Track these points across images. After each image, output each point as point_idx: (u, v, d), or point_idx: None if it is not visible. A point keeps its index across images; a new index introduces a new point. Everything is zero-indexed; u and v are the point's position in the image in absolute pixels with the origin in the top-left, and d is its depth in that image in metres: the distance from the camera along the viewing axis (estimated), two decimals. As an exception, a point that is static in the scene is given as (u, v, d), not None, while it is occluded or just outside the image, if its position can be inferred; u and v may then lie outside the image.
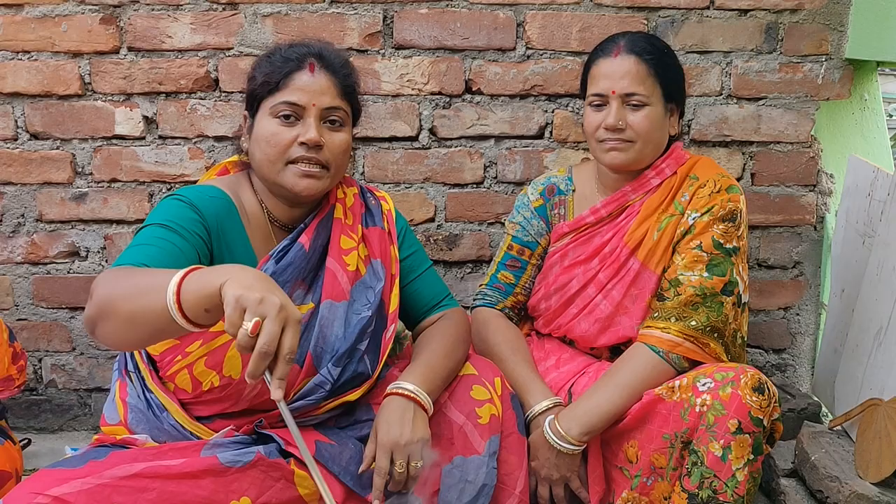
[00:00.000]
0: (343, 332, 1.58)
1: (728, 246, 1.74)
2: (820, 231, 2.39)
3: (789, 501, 1.90)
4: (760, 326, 2.44)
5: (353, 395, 1.58)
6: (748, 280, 1.80)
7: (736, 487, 1.53)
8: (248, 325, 1.08)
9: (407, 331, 1.84)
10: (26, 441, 2.17)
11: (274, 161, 1.54)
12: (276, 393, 1.11)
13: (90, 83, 2.23)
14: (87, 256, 2.33)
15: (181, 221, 1.45)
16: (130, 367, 1.56)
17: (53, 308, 2.36)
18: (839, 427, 1.95)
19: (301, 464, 1.48)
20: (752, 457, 1.54)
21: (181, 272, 1.16)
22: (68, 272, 2.34)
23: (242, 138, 1.64)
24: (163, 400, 1.53)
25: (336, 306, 1.59)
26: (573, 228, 1.90)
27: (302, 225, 1.62)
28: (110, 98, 2.24)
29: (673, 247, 1.79)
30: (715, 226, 1.75)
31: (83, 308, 2.32)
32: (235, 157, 1.72)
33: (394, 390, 1.53)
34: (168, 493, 1.33)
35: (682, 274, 1.74)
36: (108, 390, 1.66)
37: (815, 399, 2.26)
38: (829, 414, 2.26)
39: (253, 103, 1.59)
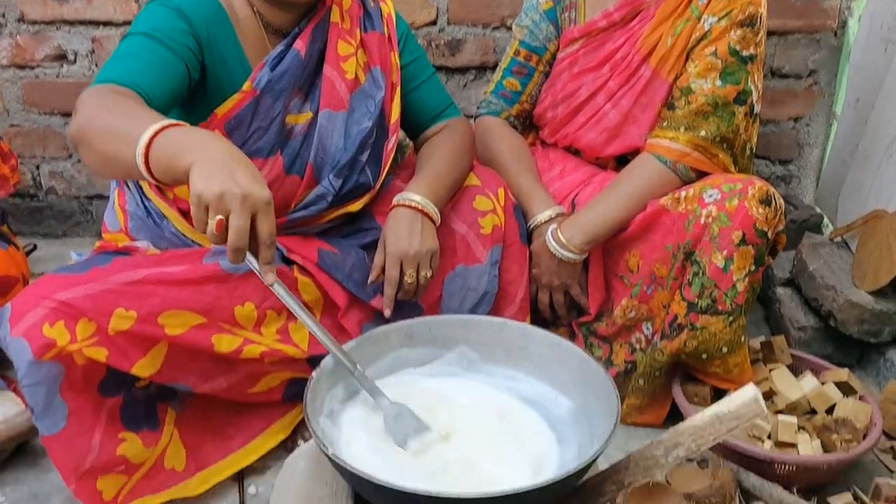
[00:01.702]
0: (343, 143, 1.54)
1: (744, 53, 1.66)
2: (840, 37, 2.29)
3: (783, 309, 1.95)
4: (769, 137, 2.39)
5: (354, 206, 1.57)
6: (762, 89, 1.74)
7: (735, 297, 1.55)
8: (212, 223, 1.03)
9: (409, 140, 1.80)
10: (32, 246, 2.18)
11: None
12: (269, 277, 1.11)
13: None
14: (75, 60, 2.25)
15: (168, 31, 1.37)
16: (126, 175, 1.53)
17: (46, 114, 2.31)
18: (839, 238, 1.96)
19: (304, 270, 1.49)
20: (753, 268, 1.55)
21: (150, 130, 1.09)
22: (57, 76, 2.26)
23: None
24: (162, 208, 1.52)
25: (335, 116, 1.54)
26: (584, 34, 1.80)
27: (296, 29, 1.53)
28: None
29: (687, 53, 1.71)
30: (732, 31, 1.66)
31: (76, 114, 2.30)
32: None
33: (401, 202, 1.52)
34: (171, 298, 1.34)
35: (694, 82, 1.68)
36: (108, 197, 1.64)
37: (818, 210, 2.26)
38: (830, 225, 2.27)
39: None
